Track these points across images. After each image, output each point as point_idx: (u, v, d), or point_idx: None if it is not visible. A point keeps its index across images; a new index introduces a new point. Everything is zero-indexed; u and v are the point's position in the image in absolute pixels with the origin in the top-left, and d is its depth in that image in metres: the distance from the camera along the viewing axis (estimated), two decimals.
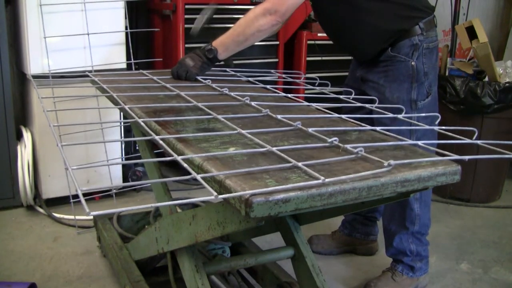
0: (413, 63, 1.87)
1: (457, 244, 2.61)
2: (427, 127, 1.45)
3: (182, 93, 1.62)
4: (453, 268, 2.37)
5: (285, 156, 1.11)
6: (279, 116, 1.42)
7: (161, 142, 1.19)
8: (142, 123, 1.32)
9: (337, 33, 2.00)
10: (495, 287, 2.24)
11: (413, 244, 2.06)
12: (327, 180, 0.99)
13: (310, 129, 1.31)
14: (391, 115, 1.53)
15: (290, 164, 1.07)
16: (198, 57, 1.90)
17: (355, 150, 1.15)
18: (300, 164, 1.06)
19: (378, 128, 1.38)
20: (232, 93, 1.66)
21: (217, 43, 1.87)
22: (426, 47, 1.89)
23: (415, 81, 1.89)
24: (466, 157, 1.12)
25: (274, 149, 1.15)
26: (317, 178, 0.99)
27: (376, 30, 1.87)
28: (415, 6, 1.88)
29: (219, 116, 1.39)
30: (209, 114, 1.42)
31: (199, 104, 1.50)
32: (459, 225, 2.85)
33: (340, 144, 1.21)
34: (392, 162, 1.07)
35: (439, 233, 2.72)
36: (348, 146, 1.18)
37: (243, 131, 1.27)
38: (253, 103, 1.55)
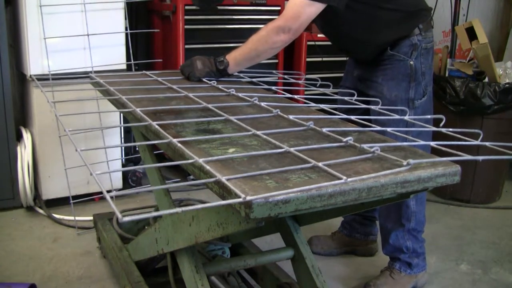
0: (411, 62, 1.90)
1: (457, 244, 2.61)
2: (434, 128, 1.45)
3: (190, 95, 1.63)
4: (452, 268, 2.37)
5: (304, 156, 1.12)
6: (291, 117, 1.44)
7: (179, 145, 1.19)
8: (157, 126, 1.31)
9: (342, 37, 2.02)
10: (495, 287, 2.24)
11: (409, 241, 2.08)
12: (349, 179, 0.99)
13: (324, 129, 1.33)
14: (397, 116, 1.53)
15: (310, 164, 1.08)
16: (209, 64, 1.91)
17: (372, 150, 1.16)
18: (320, 164, 1.07)
19: (389, 129, 1.39)
20: (239, 94, 1.68)
21: (230, 57, 1.89)
22: (424, 47, 1.92)
23: (413, 80, 1.92)
24: (480, 158, 1.13)
25: (292, 149, 1.16)
26: (339, 178, 1.00)
27: (382, 37, 1.90)
28: (416, 12, 1.92)
29: (232, 117, 1.40)
30: (220, 115, 1.44)
31: (210, 105, 1.51)
32: (459, 225, 2.85)
33: (357, 144, 1.21)
34: (411, 161, 1.08)
35: (439, 233, 2.72)
36: (365, 146, 1.19)
37: (258, 132, 1.28)
38: (262, 104, 1.58)
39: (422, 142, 1.30)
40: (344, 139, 1.24)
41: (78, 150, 1.11)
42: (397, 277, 2.11)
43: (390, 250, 2.13)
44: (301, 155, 1.14)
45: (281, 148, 1.19)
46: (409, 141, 1.34)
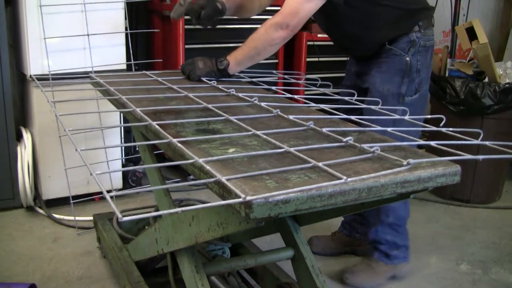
0: (407, 58, 1.91)
1: (457, 244, 2.61)
2: (434, 128, 1.45)
3: (191, 95, 1.63)
4: (453, 268, 2.37)
5: (304, 156, 1.12)
6: (291, 117, 1.44)
7: (179, 145, 1.18)
8: (157, 126, 1.31)
9: (342, 34, 2.03)
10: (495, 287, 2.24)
11: (389, 235, 2.12)
12: (349, 179, 0.99)
13: (324, 129, 1.33)
14: (397, 116, 1.53)
15: (311, 164, 1.08)
16: (210, 64, 1.92)
17: (372, 150, 1.16)
18: (320, 164, 1.07)
19: (389, 129, 1.38)
20: (239, 94, 1.68)
21: (231, 57, 1.89)
22: (422, 45, 1.94)
23: (407, 76, 1.93)
24: (480, 157, 1.12)
25: (292, 149, 1.16)
26: (339, 178, 1.00)
27: (381, 34, 1.92)
28: (416, 10, 1.92)
29: (232, 118, 1.40)
30: (220, 115, 1.44)
31: (210, 105, 1.51)
32: (459, 225, 2.85)
33: (357, 144, 1.21)
34: (411, 161, 1.08)
35: (439, 233, 2.72)
36: (365, 146, 1.19)
37: (258, 132, 1.28)
38: (262, 104, 1.58)
39: (422, 142, 1.30)
40: (344, 139, 1.24)
41: (78, 150, 1.11)
42: (375, 266, 2.17)
43: (369, 241, 2.20)
44: (301, 155, 1.14)
45: (281, 148, 1.19)
46: (405, 140, 1.34)
